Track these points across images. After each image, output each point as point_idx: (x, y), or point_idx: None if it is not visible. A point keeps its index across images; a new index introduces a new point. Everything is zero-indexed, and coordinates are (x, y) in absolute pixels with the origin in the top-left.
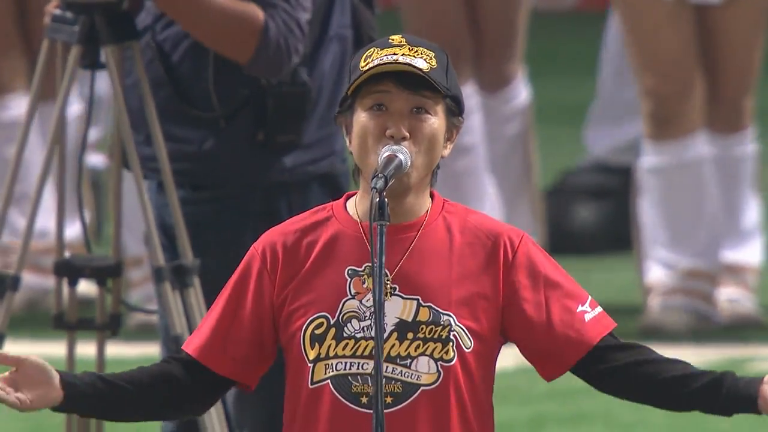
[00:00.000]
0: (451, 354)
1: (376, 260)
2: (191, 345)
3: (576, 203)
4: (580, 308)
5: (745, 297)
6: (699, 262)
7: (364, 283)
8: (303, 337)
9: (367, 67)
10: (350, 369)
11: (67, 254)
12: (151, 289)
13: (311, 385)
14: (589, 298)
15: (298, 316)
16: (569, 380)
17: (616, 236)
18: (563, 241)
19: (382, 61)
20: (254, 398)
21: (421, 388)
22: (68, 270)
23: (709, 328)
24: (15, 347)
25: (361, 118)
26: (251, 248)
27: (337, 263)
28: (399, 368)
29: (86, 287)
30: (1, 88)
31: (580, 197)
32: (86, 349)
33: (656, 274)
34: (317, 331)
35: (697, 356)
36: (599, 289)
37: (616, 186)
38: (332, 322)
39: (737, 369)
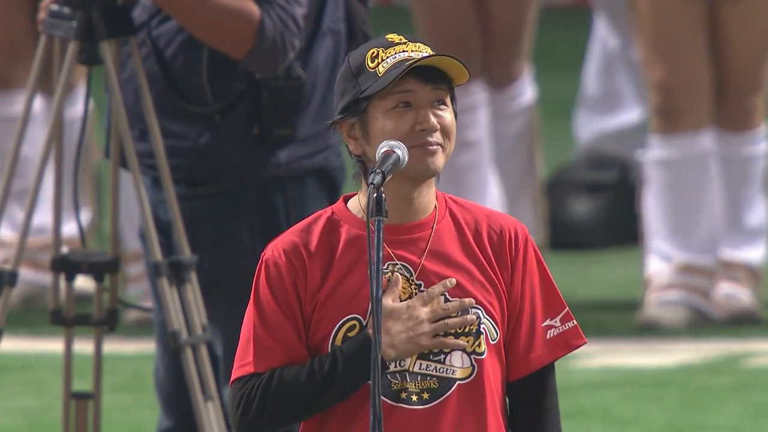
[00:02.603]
0: (483, 347)
1: (373, 257)
2: (272, 362)
3: (573, 197)
4: (547, 322)
5: (742, 292)
6: (698, 257)
7: (388, 280)
8: (333, 339)
9: (392, 66)
10: (388, 367)
11: (64, 250)
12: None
13: None
14: (565, 310)
15: (329, 320)
16: (567, 376)
17: (615, 230)
18: (561, 235)
19: (409, 57)
20: None
21: (457, 382)
22: (66, 266)
23: (706, 324)
24: (12, 343)
25: (381, 119)
26: (267, 256)
27: (358, 265)
28: (433, 364)
29: (84, 283)
30: (12, 83)
31: (576, 191)
32: (84, 345)
33: (655, 266)
34: (350, 334)
35: (695, 352)
36: (598, 285)
37: (612, 180)
38: (365, 323)
39: (735, 364)
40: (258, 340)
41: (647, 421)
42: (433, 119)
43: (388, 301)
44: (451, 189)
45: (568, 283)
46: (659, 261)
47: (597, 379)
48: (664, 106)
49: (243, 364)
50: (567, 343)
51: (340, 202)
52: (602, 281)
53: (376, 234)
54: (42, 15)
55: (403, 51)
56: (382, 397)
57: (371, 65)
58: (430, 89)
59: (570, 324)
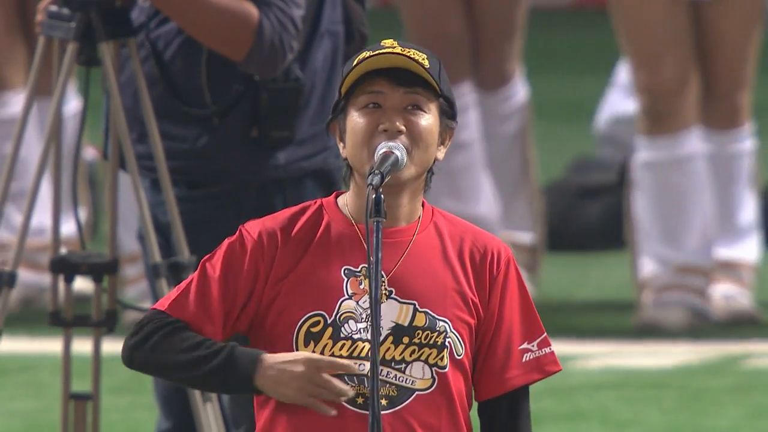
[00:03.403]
0: (446, 361)
1: (372, 257)
2: (182, 316)
3: (575, 200)
4: (524, 345)
5: (740, 293)
6: (692, 257)
7: (360, 284)
8: (297, 333)
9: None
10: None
11: (63, 251)
12: (147, 286)
13: None
14: (543, 335)
15: (293, 312)
16: (566, 378)
17: (614, 233)
18: (561, 238)
19: (375, 58)
20: (251, 397)
21: (416, 392)
22: (64, 267)
23: (705, 325)
24: (11, 344)
25: (354, 117)
26: (243, 230)
27: (333, 262)
28: (393, 372)
29: (82, 284)
30: (2, 84)
31: (578, 194)
32: (82, 346)
33: (649, 269)
34: (313, 329)
35: (694, 353)
36: (596, 286)
37: (613, 183)
38: (329, 321)
39: (734, 366)
40: (184, 294)
41: (646, 422)
42: (397, 123)
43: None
44: (445, 191)
45: (567, 285)
46: (653, 263)
47: (595, 381)
48: (651, 108)
49: (164, 300)
50: (542, 368)
51: (331, 198)
52: (601, 283)
53: (375, 235)
54: (40, 17)
55: (387, 54)
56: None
57: (354, 66)
58: (401, 93)
59: (547, 350)
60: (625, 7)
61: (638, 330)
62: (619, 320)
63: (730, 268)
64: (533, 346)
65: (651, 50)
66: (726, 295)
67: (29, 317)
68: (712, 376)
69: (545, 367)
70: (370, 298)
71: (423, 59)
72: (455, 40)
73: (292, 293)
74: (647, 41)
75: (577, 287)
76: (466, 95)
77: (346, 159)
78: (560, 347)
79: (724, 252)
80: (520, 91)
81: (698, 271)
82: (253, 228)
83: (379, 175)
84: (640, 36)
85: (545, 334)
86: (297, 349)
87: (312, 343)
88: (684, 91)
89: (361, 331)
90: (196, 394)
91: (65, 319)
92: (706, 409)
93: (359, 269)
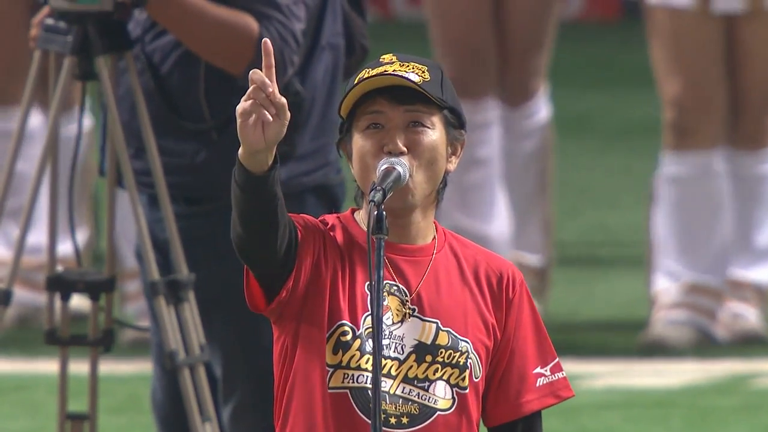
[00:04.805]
0: (467, 382)
1: (374, 275)
2: None
3: None
4: (538, 369)
5: (750, 313)
6: (706, 277)
7: (384, 300)
8: (329, 337)
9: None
10: (370, 383)
11: (59, 268)
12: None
13: (329, 389)
14: (555, 360)
15: (325, 317)
16: (571, 398)
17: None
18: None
19: (371, 80)
20: (250, 414)
21: (438, 412)
22: (61, 285)
23: (713, 344)
24: (6, 363)
25: (358, 140)
26: (319, 219)
27: (359, 276)
28: (417, 390)
29: (79, 302)
30: (11, 99)
31: None
32: (79, 366)
33: (662, 285)
34: (343, 339)
35: (701, 372)
36: (602, 304)
37: None
38: (357, 333)
39: (741, 385)
40: None
41: None
42: (400, 143)
43: None
44: (457, 206)
45: (573, 302)
46: (666, 279)
47: (601, 400)
48: (677, 123)
49: None
50: (556, 393)
51: (348, 213)
52: (607, 300)
53: (376, 252)
54: (34, 31)
55: (384, 72)
56: (359, 413)
57: (354, 84)
58: (402, 111)
59: (559, 375)
60: (658, 20)
61: (644, 347)
62: (625, 339)
63: (742, 289)
64: (546, 371)
65: (682, 64)
66: (735, 313)
67: (25, 336)
68: (719, 395)
69: (558, 392)
70: (372, 316)
71: (422, 72)
72: (482, 54)
73: (326, 298)
74: (679, 55)
75: (582, 304)
76: (489, 110)
77: (355, 180)
78: (566, 366)
79: (739, 272)
80: (542, 108)
81: (710, 291)
82: (320, 221)
83: (380, 192)
84: (671, 49)
85: (557, 359)
86: (326, 355)
87: (341, 352)
88: (712, 107)
89: (384, 347)
90: (195, 414)
91: (61, 338)
92: (714, 429)
93: (383, 286)
